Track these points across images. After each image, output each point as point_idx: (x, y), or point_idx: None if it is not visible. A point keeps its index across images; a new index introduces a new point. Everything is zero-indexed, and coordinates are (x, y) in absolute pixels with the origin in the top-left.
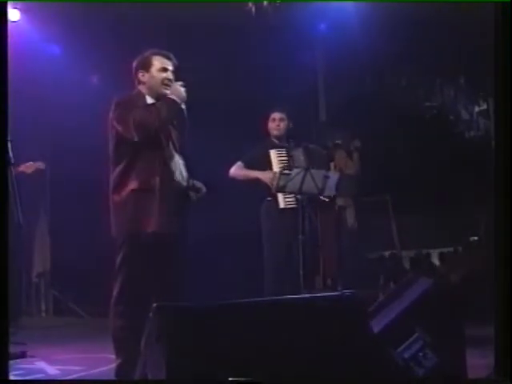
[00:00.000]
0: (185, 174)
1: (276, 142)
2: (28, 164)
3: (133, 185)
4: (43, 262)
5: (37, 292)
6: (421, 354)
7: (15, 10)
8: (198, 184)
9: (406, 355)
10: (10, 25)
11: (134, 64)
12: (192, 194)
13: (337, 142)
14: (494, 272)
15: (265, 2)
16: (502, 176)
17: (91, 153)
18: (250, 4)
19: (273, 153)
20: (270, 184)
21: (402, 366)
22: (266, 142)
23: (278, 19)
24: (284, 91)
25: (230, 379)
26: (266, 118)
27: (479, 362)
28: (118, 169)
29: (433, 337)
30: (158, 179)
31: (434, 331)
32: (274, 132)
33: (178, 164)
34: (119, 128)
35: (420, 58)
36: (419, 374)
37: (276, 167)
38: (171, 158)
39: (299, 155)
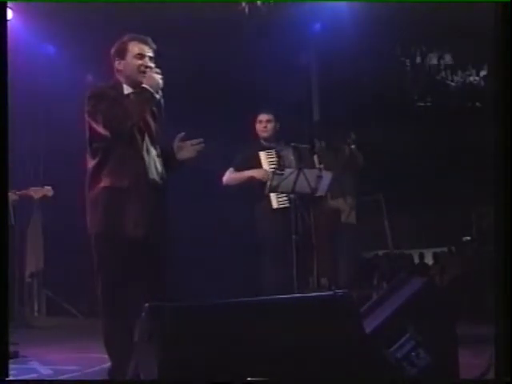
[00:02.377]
0: (160, 168)
1: (264, 143)
2: (37, 189)
3: (104, 182)
4: (36, 261)
5: (30, 292)
6: (413, 353)
7: (7, 9)
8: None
9: (399, 355)
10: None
11: (112, 51)
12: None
13: (339, 142)
14: (495, 271)
15: (258, 2)
16: (501, 176)
17: (85, 151)
18: (244, 4)
19: (262, 154)
20: (263, 180)
21: (395, 366)
22: (254, 144)
23: (272, 19)
24: (278, 91)
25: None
26: (254, 120)
27: (472, 362)
28: (92, 165)
29: (425, 336)
30: (130, 177)
31: (427, 331)
32: (262, 134)
33: (154, 159)
34: (91, 123)
35: (415, 58)
36: (412, 374)
37: (266, 168)
38: (146, 153)
39: (289, 155)
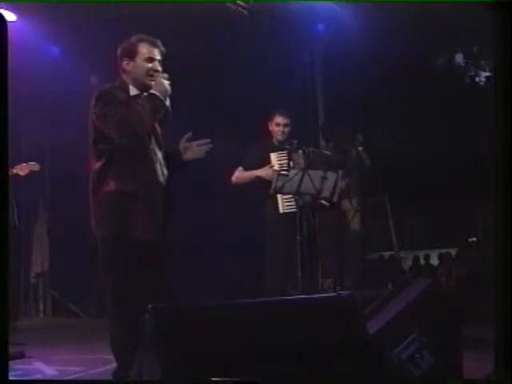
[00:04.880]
0: (166, 171)
1: (277, 144)
2: (22, 166)
3: (111, 185)
4: (42, 262)
5: (35, 292)
6: (418, 355)
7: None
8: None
9: (403, 356)
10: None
11: (119, 51)
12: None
13: (346, 143)
14: (496, 272)
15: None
16: (502, 177)
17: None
18: (246, 4)
19: (273, 155)
20: (271, 179)
21: (399, 367)
22: (265, 144)
23: (276, 19)
24: (282, 93)
25: (222, 379)
26: (269, 119)
27: (476, 363)
28: (97, 166)
29: (430, 338)
30: (138, 180)
31: (432, 332)
32: (278, 137)
33: (160, 162)
34: (99, 124)
35: (418, 58)
36: (416, 375)
37: (277, 169)
38: (153, 156)
39: (299, 158)
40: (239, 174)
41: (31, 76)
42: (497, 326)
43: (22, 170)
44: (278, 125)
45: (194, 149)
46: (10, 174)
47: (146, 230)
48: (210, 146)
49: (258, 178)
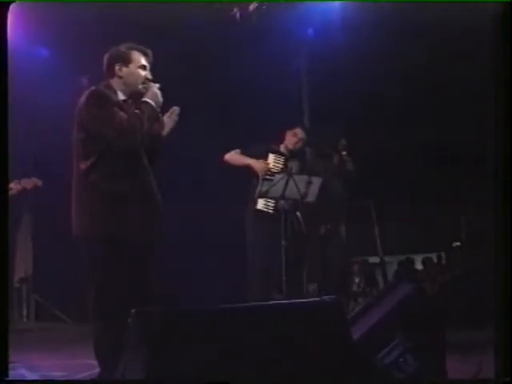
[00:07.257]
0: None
1: (283, 150)
2: (27, 180)
3: (100, 186)
4: (25, 267)
5: (19, 297)
6: (401, 359)
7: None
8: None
9: (387, 361)
10: None
11: (109, 56)
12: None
13: (329, 149)
14: (494, 273)
15: (250, 8)
16: (499, 181)
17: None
18: (235, 9)
19: (271, 156)
20: (259, 173)
21: (383, 372)
22: (273, 145)
23: (264, 24)
24: (269, 97)
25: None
26: (289, 128)
27: (460, 368)
28: (84, 167)
29: (414, 342)
30: (127, 181)
31: (415, 337)
32: (289, 145)
33: (147, 166)
34: (92, 125)
35: (409, 62)
36: (400, 380)
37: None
38: (142, 159)
39: (292, 166)
40: (233, 156)
41: (21, 78)
42: (496, 327)
43: (27, 184)
44: (295, 135)
45: (167, 121)
46: (17, 190)
47: (136, 232)
48: (178, 110)
49: (248, 166)
